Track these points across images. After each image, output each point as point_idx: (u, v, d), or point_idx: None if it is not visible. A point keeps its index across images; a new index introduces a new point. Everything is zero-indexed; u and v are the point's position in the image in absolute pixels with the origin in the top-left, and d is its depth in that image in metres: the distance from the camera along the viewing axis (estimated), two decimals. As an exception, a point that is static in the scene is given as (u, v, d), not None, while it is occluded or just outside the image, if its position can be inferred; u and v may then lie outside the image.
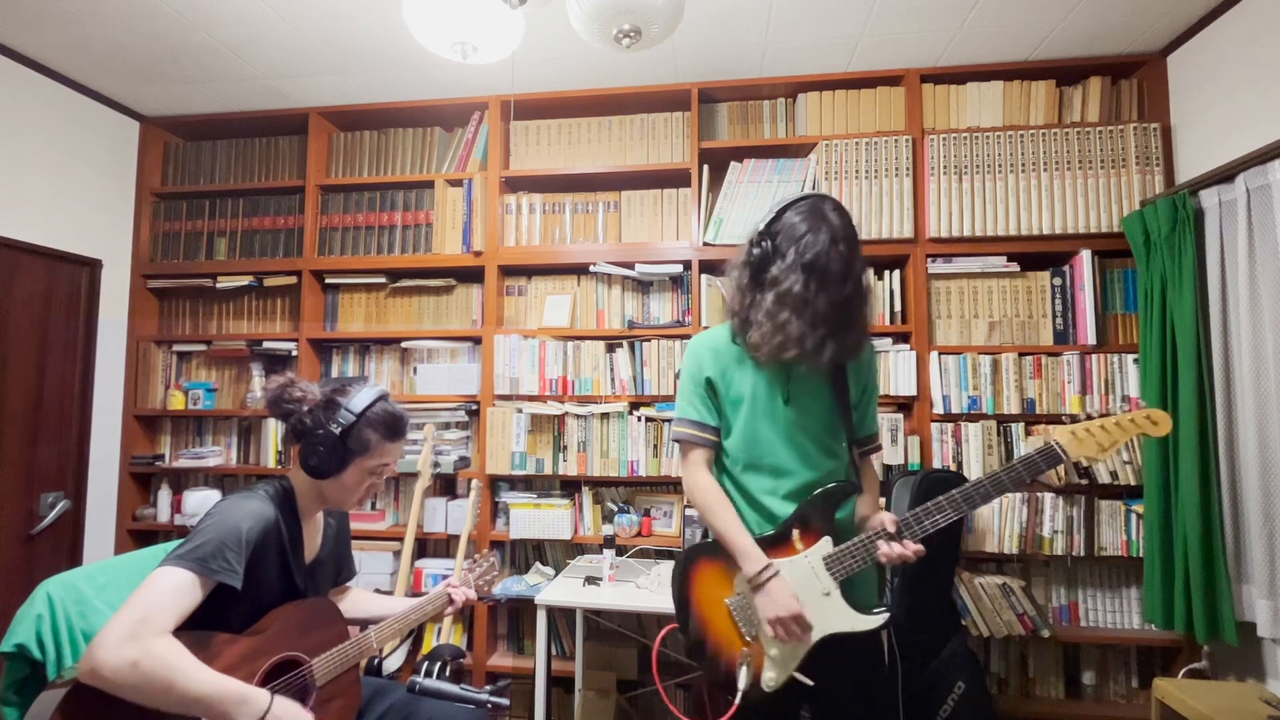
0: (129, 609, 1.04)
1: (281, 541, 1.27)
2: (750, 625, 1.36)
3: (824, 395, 1.41)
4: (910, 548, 1.30)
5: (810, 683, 1.31)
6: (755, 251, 1.37)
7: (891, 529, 1.31)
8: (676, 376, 2.46)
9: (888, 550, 1.29)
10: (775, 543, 1.36)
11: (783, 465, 1.39)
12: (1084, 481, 2.23)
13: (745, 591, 1.37)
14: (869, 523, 1.36)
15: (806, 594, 1.32)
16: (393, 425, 1.35)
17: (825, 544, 1.34)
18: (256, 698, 1.10)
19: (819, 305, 1.28)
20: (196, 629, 1.12)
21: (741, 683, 1.31)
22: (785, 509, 1.38)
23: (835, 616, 1.32)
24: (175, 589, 1.08)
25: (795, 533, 1.36)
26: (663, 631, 1.64)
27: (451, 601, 1.58)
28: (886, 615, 1.33)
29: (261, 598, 1.23)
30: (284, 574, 1.29)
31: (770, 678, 1.33)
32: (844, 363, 1.38)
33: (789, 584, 1.32)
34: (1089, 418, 1.30)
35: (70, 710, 1.01)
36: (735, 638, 1.37)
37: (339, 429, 1.28)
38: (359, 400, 1.31)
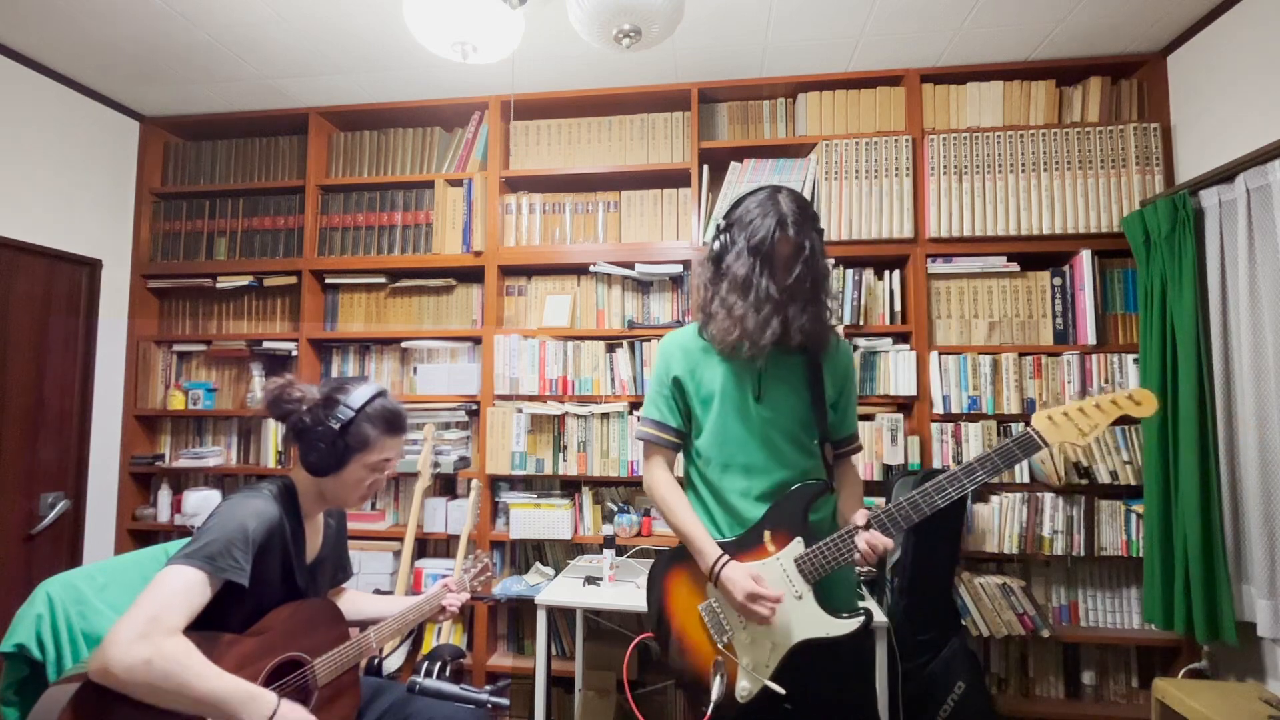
0: (140, 607, 1.04)
1: (284, 541, 1.27)
2: (722, 632, 1.33)
3: (798, 392, 1.38)
4: (880, 542, 1.24)
5: (782, 691, 1.26)
6: (715, 245, 1.39)
7: (861, 521, 1.27)
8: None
9: (867, 539, 1.24)
10: (746, 545, 1.33)
11: (755, 464, 1.36)
12: (1084, 481, 2.23)
13: (716, 596, 1.34)
14: (850, 521, 1.31)
15: None
16: (392, 420, 1.35)
17: (797, 545, 1.31)
18: (264, 699, 1.10)
19: (762, 286, 1.29)
20: (198, 628, 1.12)
21: (715, 693, 1.26)
22: (757, 510, 1.35)
23: (809, 621, 1.28)
24: (185, 587, 1.08)
25: (766, 534, 1.32)
26: (635, 640, 1.58)
27: (444, 610, 1.58)
28: (861, 620, 1.27)
29: (263, 597, 1.23)
30: (286, 573, 1.29)
31: (744, 687, 1.29)
32: (795, 343, 1.33)
33: (744, 566, 1.28)
34: (1068, 403, 1.27)
35: (80, 708, 1.01)
36: (708, 645, 1.33)
37: (338, 425, 1.28)
38: (357, 396, 1.31)
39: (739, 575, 1.27)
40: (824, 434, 1.41)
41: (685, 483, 1.47)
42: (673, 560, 1.42)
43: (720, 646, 1.32)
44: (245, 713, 1.07)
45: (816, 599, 1.29)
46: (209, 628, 1.14)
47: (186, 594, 1.08)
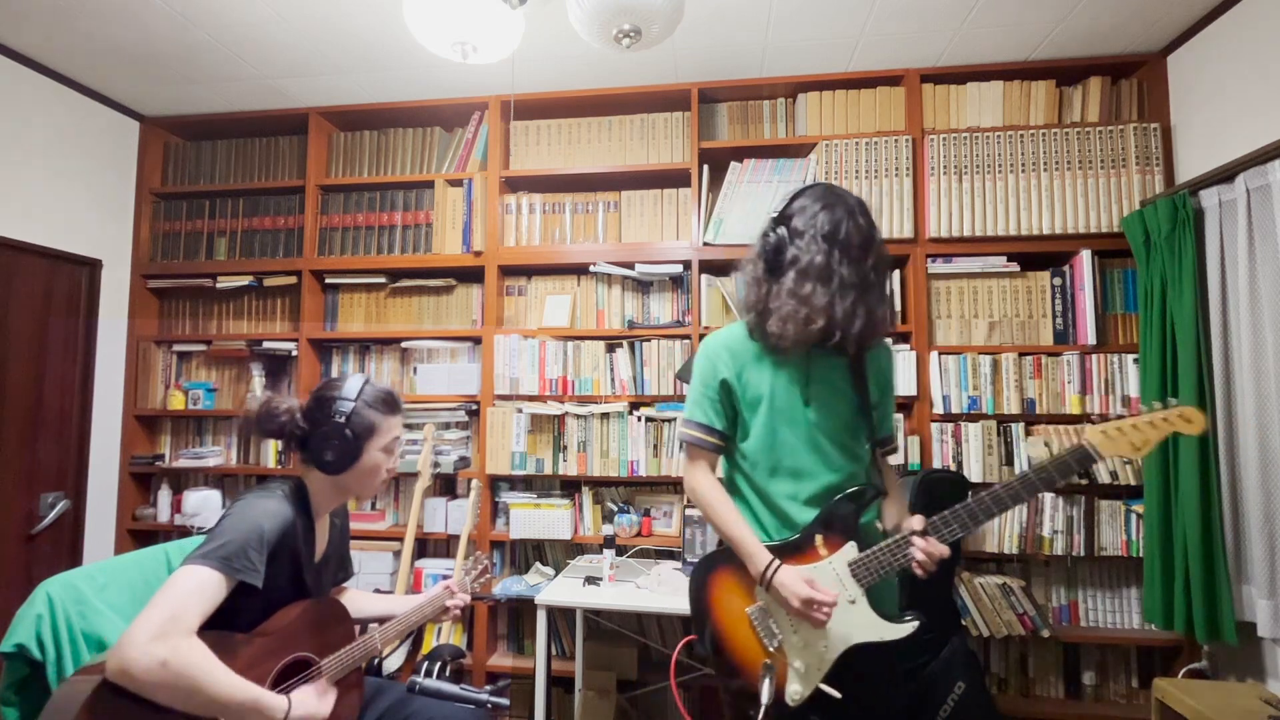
0: (157, 608, 1.04)
1: (296, 541, 1.28)
2: (771, 635, 1.32)
3: (845, 395, 1.37)
4: (935, 548, 1.24)
5: (838, 695, 1.25)
6: (769, 240, 1.35)
7: (918, 526, 1.26)
8: (676, 377, 2.46)
9: (924, 548, 1.24)
10: (798, 549, 1.32)
11: (803, 468, 1.35)
12: (1084, 481, 2.23)
13: (765, 599, 1.33)
14: (903, 526, 1.31)
15: None
16: (388, 400, 1.38)
17: (850, 549, 1.30)
18: (274, 704, 1.11)
19: (844, 273, 1.27)
20: (207, 627, 1.12)
21: (764, 696, 1.24)
22: (805, 514, 1.34)
23: (863, 625, 1.27)
24: (200, 588, 1.08)
25: (818, 538, 1.31)
26: (680, 643, 1.60)
27: (446, 610, 1.59)
28: (916, 624, 1.27)
29: (273, 597, 1.24)
30: (295, 573, 1.29)
31: (795, 690, 1.28)
32: (875, 338, 1.33)
33: (796, 570, 1.28)
34: (1120, 417, 1.25)
35: (95, 707, 1.00)
36: (757, 649, 1.32)
37: (343, 419, 1.29)
38: (350, 388, 1.33)
39: (793, 579, 1.26)
40: (871, 436, 1.40)
41: (728, 486, 1.45)
42: (716, 562, 1.41)
43: (771, 650, 1.31)
44: (257, 718, 1.08)
45: (869, 603, 1.29)
46: (218, 626, 1.14)
47: (202, 594, 1.08)
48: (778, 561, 1.29)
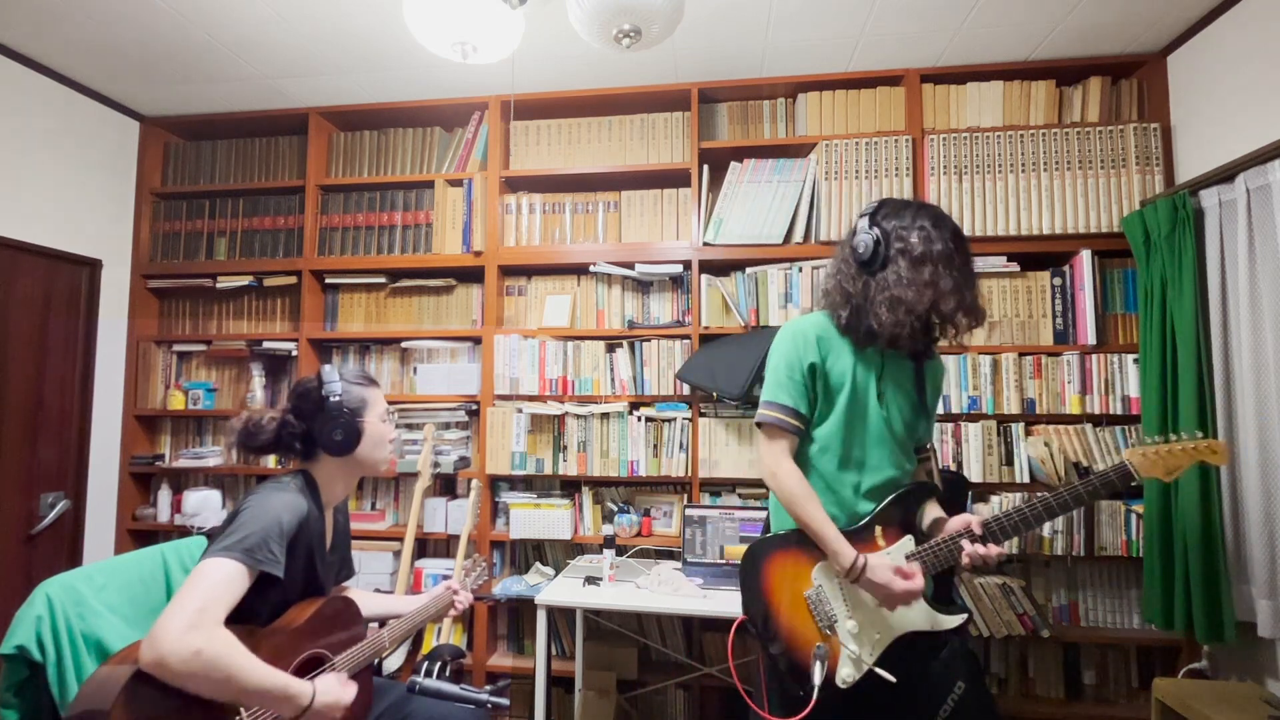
0: (186, 599, 1.06)
1: (310, 534, 1.29)
2: (827, 619, 1.36)
3: (910, 397, 1.44)
4: (993, 550, 1.31)
5: (892, 679, 1.30)
6: (863, 239, 1.38)
7: (978, 530, 1.32)
8: (677, 376, 2.46)
9: (973, 551, 1.31)
10: (858, 538, 1.37)
11: (869, 461, 1.42)
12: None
13: (823, 584, 1.38)
14: (947, 525, 1.37)
15: None
16: (366, 375, 1.45)
17: (908, 542, 1.36)
18: (302, 690, 1.13)
19: (958, 262, 1.32)
20: (225, 622, 1.12)
21: (816, 678, 1.30)
22: (864, 505, 1.40)
23: (918, 614, 1.33)
24: (227, 580, 1.10)
25: (878, 529, 1.37)
26: (735, 624, 1.60)
27: (453, 606, 1.62)
28: (966, 615, 1.34)
29: (288, 590, 1.25)
30: (309, 566, 1.31)
31: (847, 673, 1.32)
32: (975, 327, 1.38)
33: (878, 557, 1.34)
34: (1156, 443, 1.34)
35: (133, 693, 1.01)
36: (812, 631, 1.37)
37: (337, 399, 1.33)
38: (328, 374, 1.37)
39: (885, 571, 1.31)
40: (921, 438, 1.49)
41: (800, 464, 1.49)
42: (774, 545, 1.45)
43: (825, 633, 1.36)
44: (284, 705, 1.11)
45: (923, 593, 1.35)
46: (235, 619, 1.14)
47: (229, 586, 1.10)
48: (864, 556, 1.34)
